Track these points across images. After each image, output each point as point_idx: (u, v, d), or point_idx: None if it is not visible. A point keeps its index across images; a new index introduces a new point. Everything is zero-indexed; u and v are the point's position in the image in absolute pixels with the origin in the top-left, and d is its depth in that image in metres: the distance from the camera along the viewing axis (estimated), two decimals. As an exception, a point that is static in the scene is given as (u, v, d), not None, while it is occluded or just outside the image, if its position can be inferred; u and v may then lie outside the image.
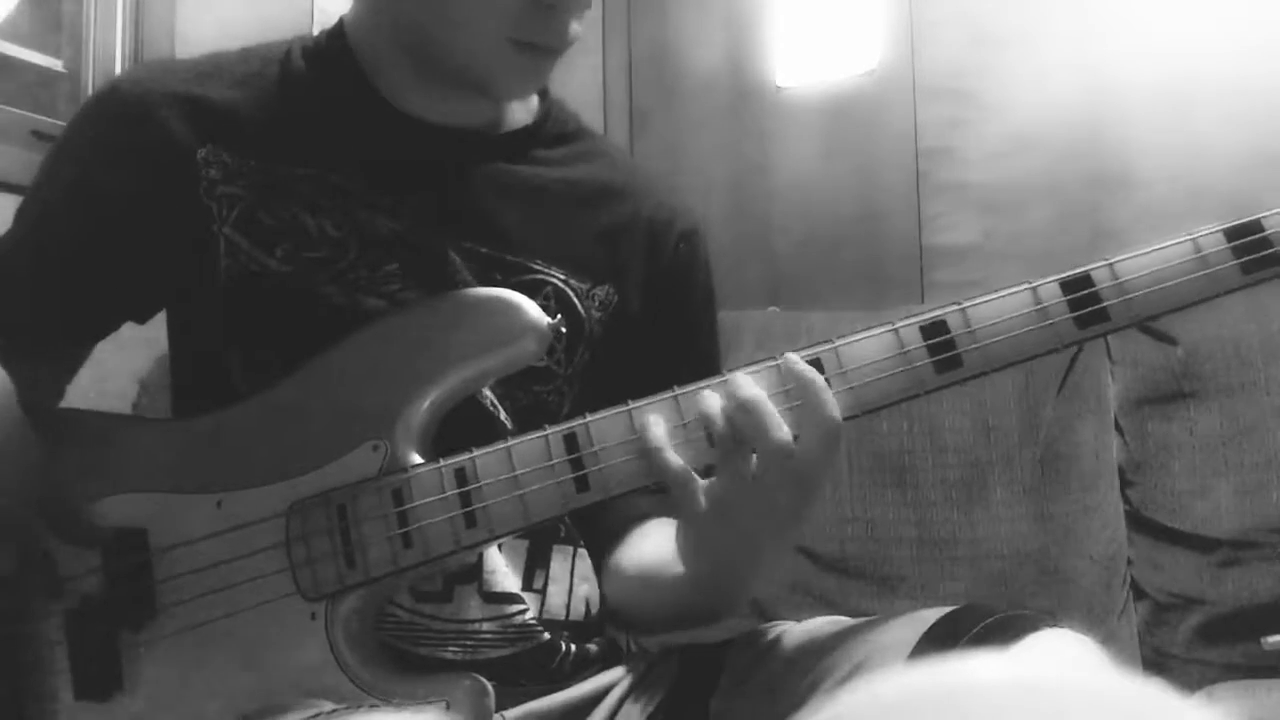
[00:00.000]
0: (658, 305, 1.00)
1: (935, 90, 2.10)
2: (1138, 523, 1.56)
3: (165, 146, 0.90)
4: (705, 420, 0.76)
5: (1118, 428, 1.60)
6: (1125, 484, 1.58)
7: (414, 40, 0.90)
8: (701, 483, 0.77)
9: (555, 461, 0.79)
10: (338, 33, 0.97)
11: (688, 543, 0.84)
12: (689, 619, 0.93)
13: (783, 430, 0.74)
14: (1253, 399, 1.51)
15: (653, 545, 0.94)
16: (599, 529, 0.99)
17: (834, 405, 0.75)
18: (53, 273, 0.93)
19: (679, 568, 0.86)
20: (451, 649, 0.87)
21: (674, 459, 0.77)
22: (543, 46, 0.88)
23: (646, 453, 0.77)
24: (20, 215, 0.95)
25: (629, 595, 0.96)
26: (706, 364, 1.03)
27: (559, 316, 0.85)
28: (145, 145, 0.91)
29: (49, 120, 1.58)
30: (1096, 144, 1.97)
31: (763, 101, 2.25)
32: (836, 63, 2.19)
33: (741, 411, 0.75)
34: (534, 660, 0.90)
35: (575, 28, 0.88)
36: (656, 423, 0.77)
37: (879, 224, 2.14)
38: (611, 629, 1.00)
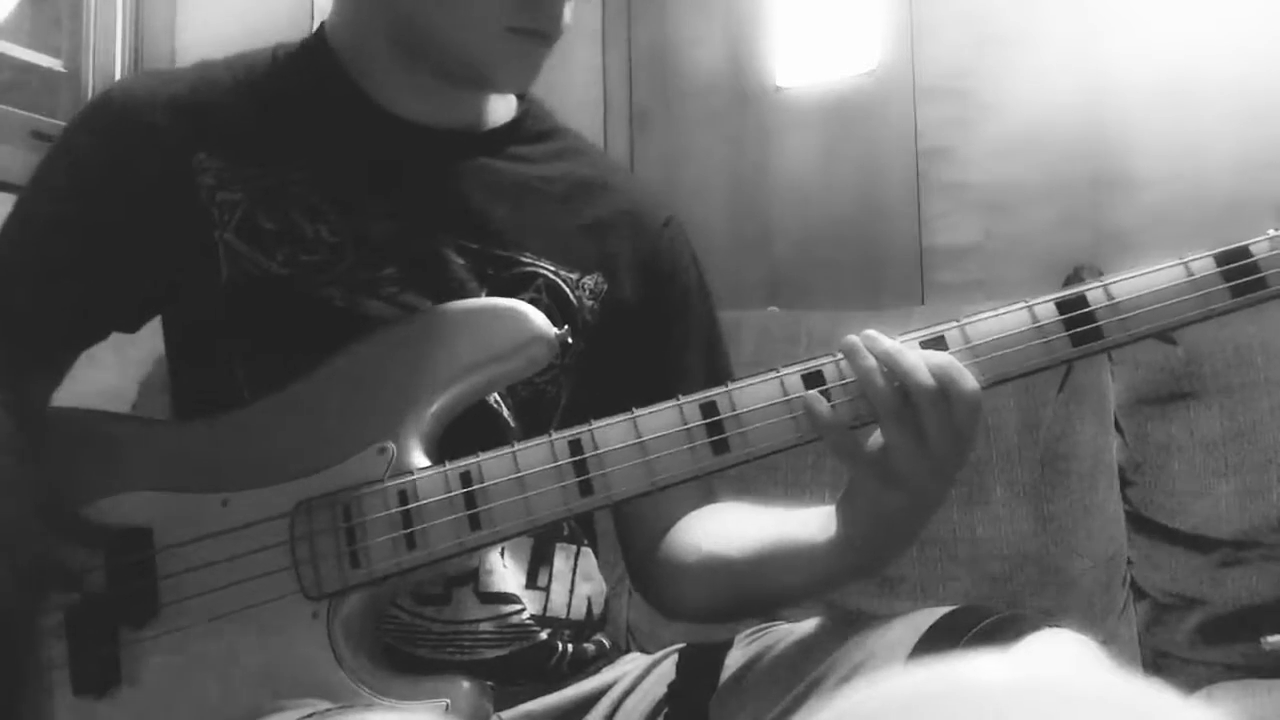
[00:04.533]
0: (652, 290, 1.01)
1: (935, 90, 2.10)
2: (1138, 523, 1.56)
3: (160, 154, 0.91)
4: (862, 374, 0.77)
5: (1118, 428, 1.59)
6: (1125, 484, 1.58)
7: (409, 36, 0.91)
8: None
9: (560, 464, 0.80)
10: (319, 36, 0.98)
11: (857, 506, 0.83)
12: (827, 585, 0.91)
13: (924, 373, 0.76)
14: (1253, 399, 1.51)
15: (777, 522, 0.92)
16: (643, 535, 1.00)
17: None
18: (41, 281, 0.93)
19: (826, 535, 0.85)
20: (450, 650, 0.88)
21: (837, 416, 0.78)
22: (539, 32, 0.89)
23: (815, 418, 0.78)
24: (10, 222, 0.95)
25: (747, 575, 0.93)
26: (714, 353, 1.04)
27: (565, 327, 0.86)
28: (139, 154, 0.91)
29: (49, 120, 1.58)
30: (1097, 144, 1.97)
31: (762, 101, 2.25)
32: (836, 63, 2.18)
33: (885, 361, 0.77)
34: (532, 660, 0.90)
35: (568, 16, 0.89)
36: (817, 398, 0.78)
37: (879, 224, 2.13)
38: (678, 617, 1.01)
